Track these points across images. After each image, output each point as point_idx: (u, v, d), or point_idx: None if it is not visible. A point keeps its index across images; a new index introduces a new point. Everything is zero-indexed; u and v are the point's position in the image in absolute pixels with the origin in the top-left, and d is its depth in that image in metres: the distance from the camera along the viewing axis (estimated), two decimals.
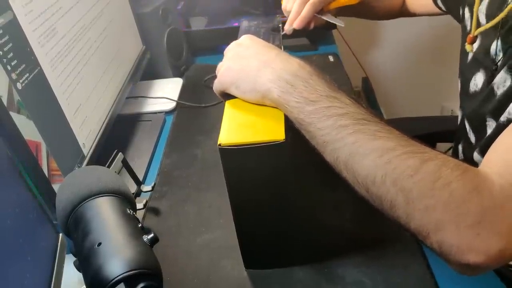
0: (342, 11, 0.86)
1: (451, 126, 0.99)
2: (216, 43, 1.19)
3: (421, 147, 0.41)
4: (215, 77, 0.53)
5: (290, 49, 1.10)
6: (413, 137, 0.42)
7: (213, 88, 0.54)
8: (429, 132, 0.97)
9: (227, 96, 0.52)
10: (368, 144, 0.40)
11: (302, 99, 0.43)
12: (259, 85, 0.46)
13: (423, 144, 0.41)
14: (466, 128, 0.68)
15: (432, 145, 0.98)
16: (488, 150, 0.44)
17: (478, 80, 0.63)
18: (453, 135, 0.80)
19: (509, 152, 0.41)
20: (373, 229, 0.47)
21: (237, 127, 0.46)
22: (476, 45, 0.64)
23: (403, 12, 0.98)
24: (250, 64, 0.48)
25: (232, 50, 0.52)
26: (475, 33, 0.61)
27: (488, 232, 0.37)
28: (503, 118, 0.51)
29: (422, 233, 0.39)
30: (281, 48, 0.64)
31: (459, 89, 0.72)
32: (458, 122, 0.74)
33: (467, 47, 0.64)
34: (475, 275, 0.39)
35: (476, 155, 0.61)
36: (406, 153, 0.39)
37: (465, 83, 0.68)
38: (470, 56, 0.66)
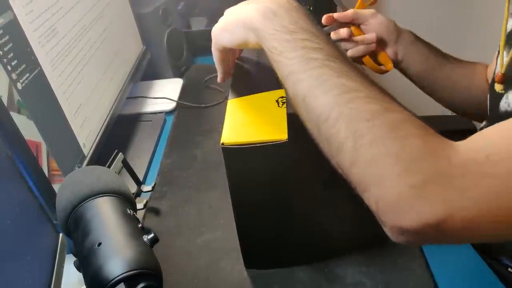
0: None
1: (464, 125, 0.95)
2: None
3: (390, 98, 0.37)
4: (215, 77, 0.53)
5: None
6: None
7: (213, 55, 0.53)
8: (441, 131, 0.94)
9: (235, 89, 0.52)
10: (331, 80, 0.38)
11: (280, 27, 0.42)
12: (244, 16, 0.45)
13: (395, 99, 0.38)
14: None
15: None
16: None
17: (510, 98, 0.55)
18: (466, 135, 0.77)
19: (493, 134, 0.36)
20: (373, 230, 0.47)
21: (239, 127, 0.46)
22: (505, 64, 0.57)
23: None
24: (240, 7, 0.47)
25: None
26: (503, 71, 0.55)
27: (432, 197, 0.33)
28: None
29: (362, 185, 0.36)
30: None
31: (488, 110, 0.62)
32: None
33: (497, 87, 0.57)
34: (406, 243, 0.36)
35: None
36: (370, 97, 0.36)
37: (494, 102, 0.59)
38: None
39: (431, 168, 0.33)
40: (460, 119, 1.21)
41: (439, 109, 1.87)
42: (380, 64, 0.74)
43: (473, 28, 1.53)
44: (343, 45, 0.75)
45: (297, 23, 0.42)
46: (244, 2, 0.49)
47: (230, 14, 0.49)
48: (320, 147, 0.39)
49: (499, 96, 0.56)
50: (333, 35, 0.73)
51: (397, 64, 0.76)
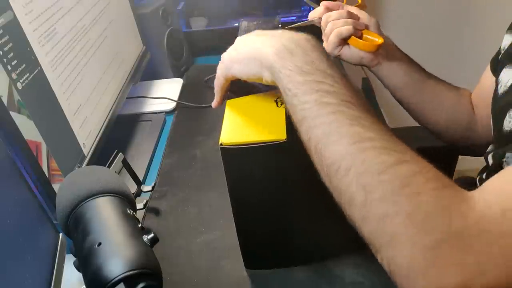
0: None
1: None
2: (216, 43, 1.19)
3: (403, 147, 0.36)
4: (215, 77, 0.53)
5: None
6: (416, 149, 0.37)
7: (216, 80, 0.52)
8: (433, 146, 0.88)
9: (231, 89, 0.51)
10: (344, 128, 0.36)
11: (295, 68, 0.40)
12: (259, 52, 0.44)
13: (408, 148, 0.36)
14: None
15: (455, 158, 0.92)
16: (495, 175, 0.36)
17: None
18: (477, 148, 0.68)
19: (507, 183, 0.33)
20: None
21: (238, 127, 0.46)
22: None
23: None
24: (254, 39, 0.46)
25: (236, 40, 0.50)
26: None
27: (447, 262, 0.30)
28: None
29: (374, 244, 0.34)
30: None
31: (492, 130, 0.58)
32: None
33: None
34: None
35: None
36: (382, 147, 0.35)
37: (497, 121, 0.55)
38: (504, 90, 0.55)
39: (444, 227, 0.31)
40: None
41: None
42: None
43: (471, 28, 1.53)
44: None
45: (313, 63, 0.41)
46: (258, 32, 0.48)
47: (244, 46, 0.47)
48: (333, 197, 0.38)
49: (502, 115, 0.53)
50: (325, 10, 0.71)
51: (375, 72, 0.72)
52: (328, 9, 0.71)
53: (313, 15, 0.73)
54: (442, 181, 0.33)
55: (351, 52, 0.69)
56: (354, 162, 0.35)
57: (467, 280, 0.30)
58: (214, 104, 0.55)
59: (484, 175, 0.53)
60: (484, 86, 0.69)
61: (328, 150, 0.36)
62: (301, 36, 0.43)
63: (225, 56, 0.50)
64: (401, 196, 0.32)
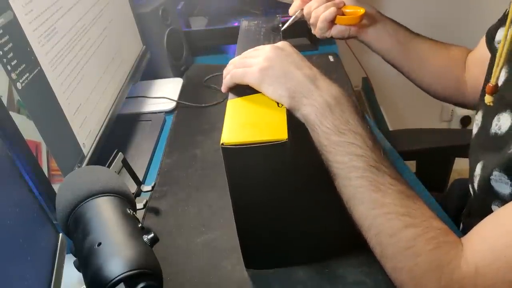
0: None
1: (461, 141, 0.90)
2: (216, 43, 1.19)
3: (414, 208, 0.44)
4: (215, 76, 0.53)
5: None
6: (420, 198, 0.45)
7: (230, 76, 0.53)
8: (449, 145, 0.92)
9: (236, 89, 0.53)
10: (367, 193, 0.44)
11: (333, 127, 0.46)
12: (300, 98, 0.48)
13: (421, 205, 0.44)
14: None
15: (451, 160, 0.94)
16: (482, 221, 0.43)
17: (502, 122, 0.51)
18: (460, 149, 0.74)
19: (499, 238, 0.40)
20: None
21: (239, 127, 0.46)
22: (502, 79, 0.53)
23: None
24: (294, 74, 0.50)
25: (271, 51, 0.52)
26: (494, 82, 0.52)
27: None
28: None
29: (393, 283, 0.45)
30: None
31: (479, 124, 0.58)
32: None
33: (486, 98, 0.53)
34: None
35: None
36: (395, 213, 0.43)
37: (486, 118, 0.56)
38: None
39: (435, 284, 0.41)
40: (456, 133, 1.21)
41: (437, 110, 1.87)
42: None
43: (472, 27, 1.53)
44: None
45: (348, 123, 0.46)
46: (297, 62, 0.50)
47: (284, 75, 0.50)
48: None
49: (490, 113, 0.53)
50: None
51: (364, 40, 0.75)
52: (304, 0, 0.76)
53: (293, 11, 0.77)
54: (436, 240, 0.42)
55: (339, 29, 0.73)
56: (372, 223, 0.44)
57: None
58: (224, 89, 0.56)
59: (475, 184, 0.54)
60: (478, 52, 0.72)
61: (355, 209, 0.46)
62: (337, 89, 0.49)
63: (254, 64, 0.52)
64: (406, 256, 0.42)
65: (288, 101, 0.49)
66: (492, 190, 0.49)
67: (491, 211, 0.49)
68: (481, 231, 0.43)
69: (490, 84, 0.52)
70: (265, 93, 0.50)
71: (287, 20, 0.77)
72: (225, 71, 0.56)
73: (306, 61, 0.52)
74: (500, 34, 0.59)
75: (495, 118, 0.52)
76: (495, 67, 0.52)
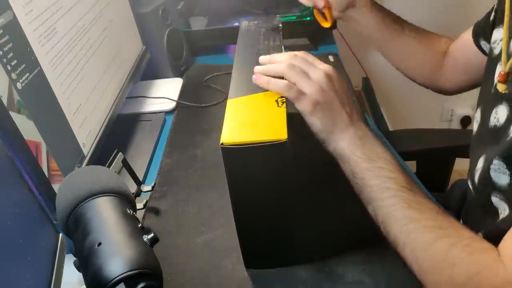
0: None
1: (463, 141, 0.94)
2: (216, 43, 1.18)
3: (445, 221, 0.45)
4: (215, 76, 0.53)
5: (291, 49, 1.10)
6: (443, 211, 0.46)
7: (274, 83, 0.52)
8: (449, 145, 0.93)
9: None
10: (400, 210, 0.46)
11: (364, 156, 0.49)
12: (338, 133, 0.51)
13: (449, 219, 0.45)
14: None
15: (451, 160, 0.95)
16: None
17: (500, 114, 0.52)
18: (463, 149, 0.70)
19: None
20: (374, 228, 0.47)
21: (239, 126, 0.46)
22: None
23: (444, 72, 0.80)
24: (339, 113, 0.52)
25: (325, 83, 0.51)
26: (507, 69, 0.52)
27: None
28: None
29: None
30: (281, 48, 0.64)
31: (478, 121, 0.60)
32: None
33: (499, 86, 0.53)
34: None
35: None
36: (427, 227, 0.44)
37: (485, 114, 0.57)
38: (493, 85, 0.56)
39: None
40: (456, 133, 1.21)
41: (437, 111, 1.87)
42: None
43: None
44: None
45: (376, 152, 0.50)
46: (340, 97, 0.52)
47: (329, 114, 0.51)
48: None
49: (488, 107, 0.55)
50: None
51: (355, 19, 0.79)
52: None
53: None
54: (470, 248, 0.42)
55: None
56: (407, 240, 0.45)
57: None
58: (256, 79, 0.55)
59: (476, 178, 0.54)
60: (459, 42, 0.76)
61: (389, 228, 0.47)
62: (364, 124, 0.52)
63: (306, 89, 0.51)
64: (443, 267, 0.43)
65: (327, 136, 0.51)
66: (491, 182, 0.50)
67: (490, 204, 0.51)
68: None
69: (502, 72, 0.53)
70: (309, 123, 0.52)
71: (288, 20, 0.79)
72: (273, 65, 0.54)
73: (349, 93, 0.54)
74: (496, 35, 0.60)
75: (493, 111, 0.54)
76: (503, 56, 0.53)
